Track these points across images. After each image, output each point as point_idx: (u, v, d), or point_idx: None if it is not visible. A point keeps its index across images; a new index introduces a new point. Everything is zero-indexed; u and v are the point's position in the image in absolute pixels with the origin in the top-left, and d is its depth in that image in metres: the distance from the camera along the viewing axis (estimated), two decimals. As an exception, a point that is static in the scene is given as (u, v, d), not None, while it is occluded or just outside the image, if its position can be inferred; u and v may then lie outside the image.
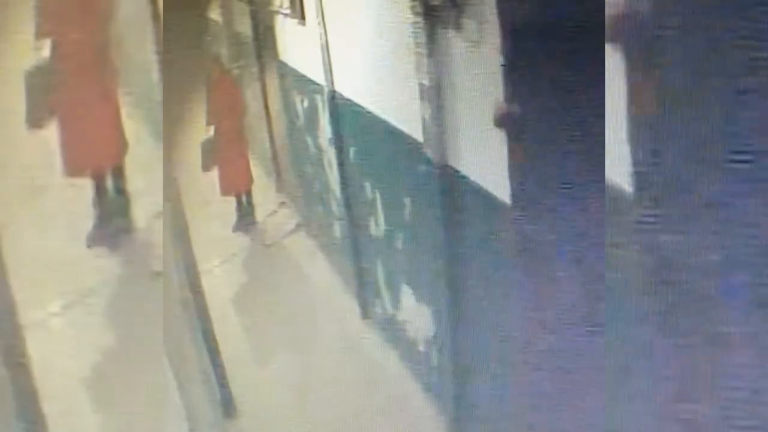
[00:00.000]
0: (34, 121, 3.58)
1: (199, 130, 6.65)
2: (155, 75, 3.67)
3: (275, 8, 6.05)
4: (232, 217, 6.92)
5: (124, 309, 3.35)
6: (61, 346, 3.20)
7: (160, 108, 3.62)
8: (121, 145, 3.84)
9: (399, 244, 4.26)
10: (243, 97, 7.15)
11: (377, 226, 4.58)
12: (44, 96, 3.60)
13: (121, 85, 3.82)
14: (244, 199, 7.00)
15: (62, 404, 2.71)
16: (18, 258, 2.45)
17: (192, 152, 6.45)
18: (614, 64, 1.76)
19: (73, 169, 3.77)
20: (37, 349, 2.34)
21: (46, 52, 3.64)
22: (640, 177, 1.72)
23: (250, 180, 7.00)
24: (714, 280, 1.57)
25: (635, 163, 1.73)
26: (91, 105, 3.73)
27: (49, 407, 2.31)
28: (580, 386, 2.40)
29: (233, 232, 6.86)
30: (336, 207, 5.45)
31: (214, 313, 4.23)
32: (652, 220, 1.68)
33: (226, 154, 6.73)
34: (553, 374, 2.56)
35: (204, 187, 6.62)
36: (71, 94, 3.71)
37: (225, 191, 6.86)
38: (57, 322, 3.28)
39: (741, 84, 1.48)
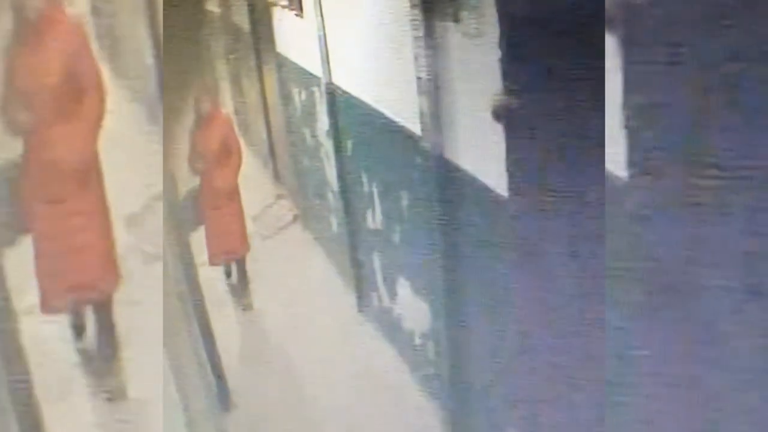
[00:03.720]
0: None
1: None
2: (153, 70, 3.59)
3: (273, 0, 6.03)
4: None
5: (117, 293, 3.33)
6: (55, 332, 3.18)
7: (158, 97, 3.55)
8: (112, 278, 3.32)
9: (396, 237, 4.26)
10: (238, 138, 5.46)
11: (374, 219, 4.57)
12: (12, 216, 3.04)
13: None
14: (235, 268, 5.50)
15: (57, 391, 2.70)
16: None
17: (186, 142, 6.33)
18: (614, 56, 1.75)
19: (50, 306, 3.19)
20: (31, 334, 2.33)
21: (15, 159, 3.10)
22: (640, 169, 1.71)
23: (246, 246, 5.43)
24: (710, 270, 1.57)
25: (635, 155, 1.72)
26: (72, 230, 3.16)
27: (43, 393, 2.30)
28: (577, 380, 2.40)
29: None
30: (333, 199, 5.44)
31: (211, 306, 4.23)
32: (652, 210, 1.67)
33: (217, 211, 5.15)
34: (550, 368, 2.56)
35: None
36: (47, 215, 3.14)
37: (214, 259, 5.25)
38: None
39: (743, 72, 1.48)
